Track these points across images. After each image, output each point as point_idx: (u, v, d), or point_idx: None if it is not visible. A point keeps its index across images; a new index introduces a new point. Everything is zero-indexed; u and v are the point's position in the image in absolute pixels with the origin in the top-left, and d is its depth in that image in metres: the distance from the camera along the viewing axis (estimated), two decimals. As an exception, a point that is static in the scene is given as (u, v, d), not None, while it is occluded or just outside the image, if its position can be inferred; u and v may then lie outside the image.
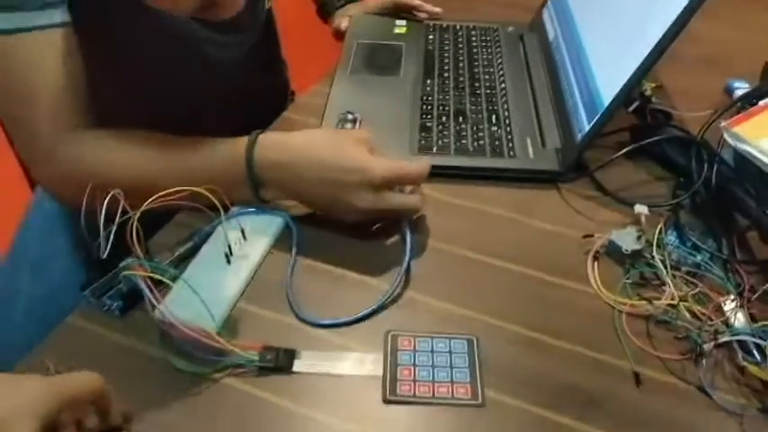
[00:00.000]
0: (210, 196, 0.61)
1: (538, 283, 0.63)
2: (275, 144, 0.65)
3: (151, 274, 0.55)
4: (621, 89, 0.70)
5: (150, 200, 0.58)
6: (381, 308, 0.60)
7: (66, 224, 0.85)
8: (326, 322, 0.58)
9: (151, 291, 0.54)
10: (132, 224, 0.57)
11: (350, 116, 0.81)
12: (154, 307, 0.55)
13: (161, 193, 0.59)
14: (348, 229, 0.67)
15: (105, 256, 0.58)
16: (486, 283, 0.63)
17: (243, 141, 0.65)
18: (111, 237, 0.57)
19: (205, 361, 0.54)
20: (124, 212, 0.58)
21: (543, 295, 0.62)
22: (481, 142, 0.78)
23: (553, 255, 0.66)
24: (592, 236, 0.66)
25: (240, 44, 0.84)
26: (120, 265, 0.60)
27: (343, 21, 1.04)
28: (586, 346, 0.57)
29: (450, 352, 0.57)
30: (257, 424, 0.51)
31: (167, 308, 0.54)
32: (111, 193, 0.57)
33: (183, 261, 0.63)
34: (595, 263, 0.64)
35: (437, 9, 1.06)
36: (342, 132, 0.75)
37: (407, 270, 0.63)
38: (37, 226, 0.88)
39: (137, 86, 0.78)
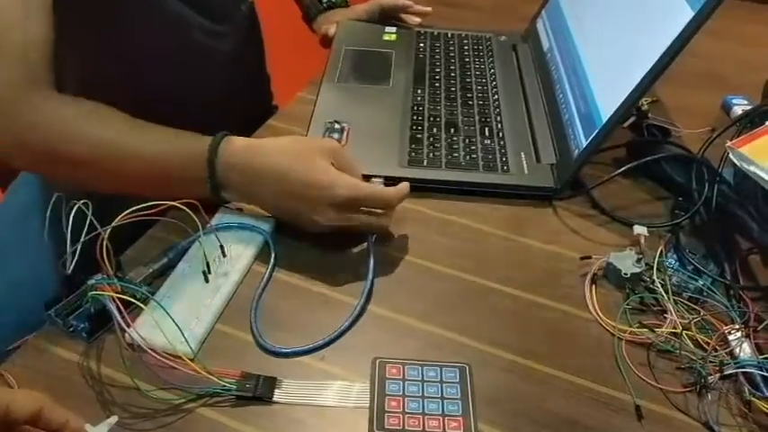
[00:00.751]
0: (188, 210, 0.57)
1: (533, 307, 0.60)
2: (240, 148, 0.62)
3: (121, 295, 0.51)
4: (622, 104, 0.67)
5: (122, 215, 0.55)
6: (353, 329, 0.57)
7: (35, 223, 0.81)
8: (297, 350, 0.54)
9: (120, 313, 0.51)
10: (102, 240, 0.53)
11: (337, 125, 0.78)
12: (123, 330, 0.52)
13: (134, 208, 0.55)
14: (332, 247, 0.64)
15: (71, 271, 0.54)
16: (478, 306, 0.60)
17: (207, 140, 0.62)
18: (77, 253, 0.53)
19: (178, 389, 0.50)
20: (92, 226, 0.54)
21: (539, 319, 0.59)
22: (473, 156, 0.75)
23: (549, 276, 0.63)
24: (589, 257, 0.63)
25: (228, 36, 0.82)
26: (89, 282, 0.56)
27: (331, 27, 1.01)
28: (585, 376, 0.54)
29: (441, 381, 0.53)
30: (233, 459, 0.47)
31: (137, 332, 0.50)
32: (77, 204, 0.53)
33: (158, 278, 0.59)
34: (593, 286, 0.61)
35: (427, 9, 1.03)
36: (311, 141, 0.72)
37: (371, 286, 0.60)
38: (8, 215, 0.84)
39: (121, 68, 0.75)
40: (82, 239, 0.52)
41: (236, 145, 0.62)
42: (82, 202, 0.53)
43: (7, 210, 0.86)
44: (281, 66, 1.06)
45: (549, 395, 0.53)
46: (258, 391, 0.51)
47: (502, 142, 0.77)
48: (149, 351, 0.49)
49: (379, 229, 0.64)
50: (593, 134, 0.69)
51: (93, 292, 0.52)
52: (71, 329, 0.54)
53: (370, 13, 1.03)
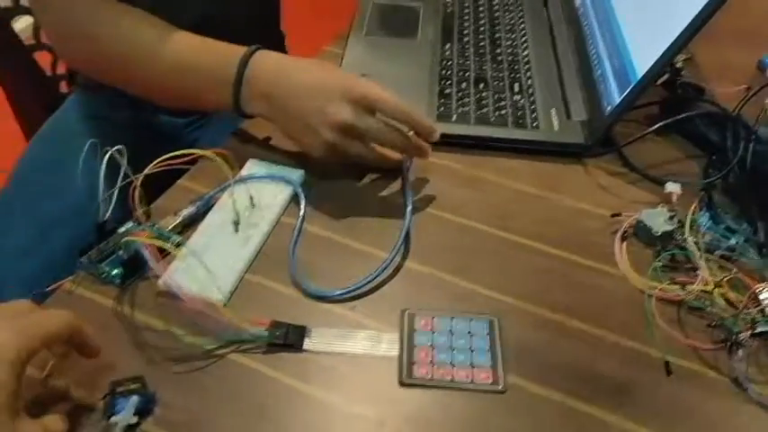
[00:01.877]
0: (218, 159, 0.57)
1: (561, 263, 0.60)
2: (274, 59, 0.64)
3: (154, 241, 0.52)
4: (658, 60, 0.65)
5: (154, 163, 0.55)
6: (387, 280, 0.57)
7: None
8: (328, 294, 0.55)
9: (156, 260, 0.51)
10: (135, 188, 0.54)
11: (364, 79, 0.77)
12: (157, 276, 0.52)
13: (165, 156, 0.56)
14: (362, 199, 0.64)
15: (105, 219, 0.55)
16: (507, 261, 0.60)
17: (241, 48, 0.64)
18: (113, 200, 0.54)
19: (211, 335, 0.51)
20: (125, 173, 0.54)
21: (567, 276, 0.59)
22: (503, 112, 0.74)
23: (578, 233, 0.62)
24: (620, 215, 0.62)
25: None
26: (120, 230, 0.57)
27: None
28: (614, 331, 0.54)
29: (470, 333, 0.53)
30: (266, 403, 0.48)
31: (171, 277, 0.51)
32: (111, 150, 0.53)
33: (186, 228, 0.60)
34: (623, 243, 0.61)
35: None
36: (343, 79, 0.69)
37: (406, 239, 0.59)
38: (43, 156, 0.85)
39: None
40: (117, 185, 0.52)
41: (270, 55, 0.64)
42: (116, 148, 0.53)
43: (43, 151, 0.86)
44: (294, 24, 1.04)
45: (578, 349, 0.53)
46: (289, 340, 0.51)
47: (532, 98, 0.76)
48: (184, 297, 0.49)
49: (389, 163, 0.64)
50: (627, 90, 0.68)
51: (127, 238, 0.53)
52: (104, 276, 0.55)
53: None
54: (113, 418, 0.44)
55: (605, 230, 0.63)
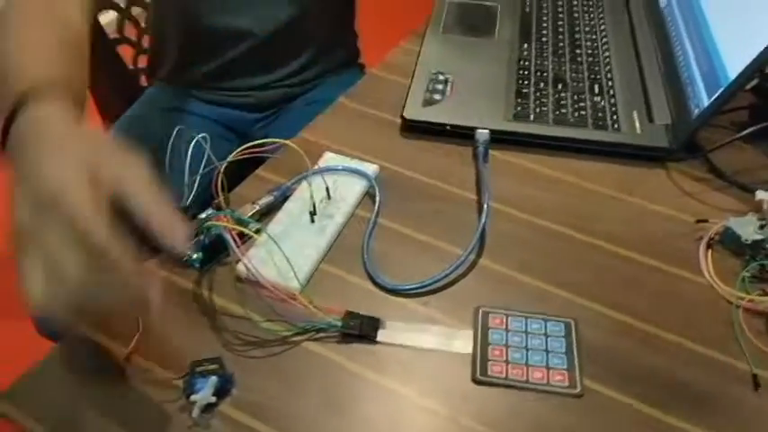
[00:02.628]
0: (298, 149, 0.58)
1: (642, 268, 0.58)
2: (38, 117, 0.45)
3: (236, 227, 0.53)
4: (751, 64, 0.62)
5: (236, 152, 0.56)
6: (461, 277, 0.56)
7: None
8: (401, 288, 0.55)
9: (237, 245, 0.52)
10: (219, 173, 0.55)
11: (441, 77, 0.76)
12: (237, 261, 0.53)
13: (248, 145, 0.57)
14: (435, 195, 0.63)
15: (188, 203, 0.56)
16: (585, 264, 0.58)
17: (27, 89, 0.46)
18: (195, 186, 0.55)
19: (287, 322, 0.51)
20: (208, 161, 0.55)
21: (649, 282, 0.57)
22: (582, 113, 0.72)
23: (660, 238, 0.60)
24: (706, 221, 0.60)
25: None
26: (202, 215, 0.58)
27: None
28: (698, 341, 0.52)
29: (545, 334, 0.52)
30: (338, 391, 0.48)
31: (251, 263, 0.52)
32: (197, 137, 0.55)
33: (264, 217, 0.61)
34: (709, 251, 0.58)
35: None
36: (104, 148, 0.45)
37: (482, 236, 0.59)
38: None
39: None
40: (200, 171, 0.53)
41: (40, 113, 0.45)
42: (201, 135, 0.55)
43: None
44: (368, 24, 1.05)
45: (659, 357, 0.51)
46: (363, 330, 0.51)
47: (612, 100, 0.74)
48: (262, 282, 0.50)
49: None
50: (717, 94, 0.65)
51: (210, 223, 0.54)
52: (185, 259, 0.56)
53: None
54: (193, 397, 0.45)
55: (689, 236, 0.60)
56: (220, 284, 0.55)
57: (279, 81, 0.94)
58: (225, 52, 0.90)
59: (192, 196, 0.56)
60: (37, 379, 0.49)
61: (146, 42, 1.04)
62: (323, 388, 0.48)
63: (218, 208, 0.58)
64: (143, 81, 1.08)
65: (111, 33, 1.01)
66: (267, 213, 0.61)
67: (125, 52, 1.05)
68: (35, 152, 0.42)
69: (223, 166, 0.55)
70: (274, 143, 0.57)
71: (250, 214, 0.60)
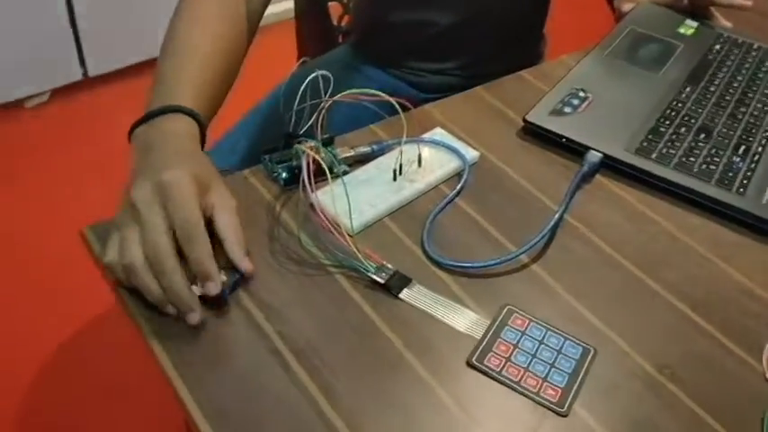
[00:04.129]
0: (411, 108, 0.61)
1: (697, 331, 0.54)
2: (167, 129, 0.57)
3: (318, 157, 0.58)
4: None
5: (343, 93, 0.61)
6: (504, 272, 0.57)
7: None
8: (442, 261, 0.57)
9: (309, 171, 0.57)
10: (323, 108, 0.61)
11: (581, 93, 0.76)
12: (305, 186, 0.59)
13: (355, 90, 0.62)
14: (520, 194, 0.64)
15: (291, 130, 0.63)
16: (637, 306, 0.56)
17: (170, 104, 0.58)
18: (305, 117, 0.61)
19: (328, 251, 0.56)
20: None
21: (696, 346, 0.53)
22: (712, 167, 0.68)
23: (729, 309, 0.56)
24: (790, 310, 0.55)
25: None
26: (303, 143, 0.64)
27: (629, 4, 0.96)
28: (719, 418, 0.48)
29: (559, 351, 0.52)
30: (345, 327, 0.52)
31: (316, 193, 0.57)
32: (318, 73, 0.61)
33: (357, 164, 0.66)
34: (779, 341, 0.53)
35: (747, 2, 0.90)
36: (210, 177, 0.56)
37: (547, 244, 0.59)
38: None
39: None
40: (308, 102, 0.60)
41: (170, 125, 0.57)
42: (322, 72, 0.61)
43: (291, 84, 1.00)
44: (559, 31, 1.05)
45: (672, 421, 0.48)
46: (391, 282, 0.55)
47: (753, 165, 0.69)
48: (316, 208, 0.55)
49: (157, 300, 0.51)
50: None
51: (301, 147, 0.60)
52: (275, 174, 0.63)
53: (676, 0, 0.96)
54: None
55: (764, 318, 0.55)
56: (293, 204, 0.61)
57: (454, 69, 0.98)
58: (407, 36, 0.97)
59: (292, 122, 0.62)
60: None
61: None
62: (331, 316, 0.53)
63: (325, 144, 0.64)
64: (339, 39, 1.18)
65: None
66: (361, 161, 0.66)
67: (335, 10, 1.16)
68: (159, 152, 0.54)
69: (327, 103, 0.60)
70: (380, 97, 0.61)
71: (344, 156, 0.65)
